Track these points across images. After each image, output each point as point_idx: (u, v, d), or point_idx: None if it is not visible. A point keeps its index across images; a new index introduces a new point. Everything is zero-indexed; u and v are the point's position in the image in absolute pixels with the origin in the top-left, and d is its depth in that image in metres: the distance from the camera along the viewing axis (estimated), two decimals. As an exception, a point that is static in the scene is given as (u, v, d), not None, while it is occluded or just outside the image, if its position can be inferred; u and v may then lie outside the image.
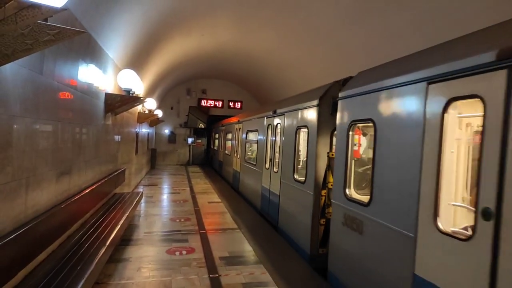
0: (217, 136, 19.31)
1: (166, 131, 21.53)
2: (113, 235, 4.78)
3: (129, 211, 6.20)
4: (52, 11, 2.34)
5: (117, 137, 7.99)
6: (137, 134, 11.60)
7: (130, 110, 9.31)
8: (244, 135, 11.42)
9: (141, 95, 8.22)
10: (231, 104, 21.36)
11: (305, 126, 6.09)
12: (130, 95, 6.92)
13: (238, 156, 12.29)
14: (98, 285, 4.31)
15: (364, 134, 4.96)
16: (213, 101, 21.21)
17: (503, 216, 2.29)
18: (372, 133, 3.91)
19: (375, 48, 8.22)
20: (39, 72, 3.50)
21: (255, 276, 4.85)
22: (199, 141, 23.78)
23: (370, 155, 4.10)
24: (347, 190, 4.42)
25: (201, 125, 22.08)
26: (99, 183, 6.01)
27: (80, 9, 4.51)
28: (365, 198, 4.03)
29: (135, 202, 7.04)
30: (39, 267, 3.62)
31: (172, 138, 21.64)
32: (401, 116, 3.46)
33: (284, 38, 10.93)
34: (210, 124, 21.97)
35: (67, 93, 4.39)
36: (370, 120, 3.95)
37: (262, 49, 12.70)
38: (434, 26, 6.26)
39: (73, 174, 4.77)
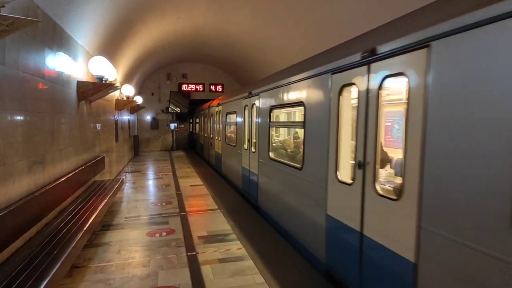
0: (198, 120, 19.33)
1: (148, 118, 21.39)
2: (91, 220, 4.90)
3: (108, 197, 6.30)
4: (3, 1, 2.38)
5: (94, 125, 7.98)
6: (116, 121, 11.55)
7: (107, 97, 9.26)
8: (224, 118, 11.54)
9: (115, 82, 8.18)
10: (212, 87, 21.27)
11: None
12: (103, 82, 6.89)
13: (219, 138, 12.44)
14: (78, 268, 4.45)
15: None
16: (194, 85, 21.08)
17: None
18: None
19: (351, 25, 8.32)
20: (1, 62, 3.51)
21: (231, 251, 5.06)
22: (182, 126, 23.76)
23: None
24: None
25: (183, 110, 21.98)
26: (76, 171, 6.06)
27: (41, -4, 4.46)
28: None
29: (115, 189, 7.14)
30: (15, 253, 3.72)
31: (154, 124, 21.54)
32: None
33: (261, 18, 10.91)
34: (192, 108, 21.90)
35: (34, 82, 4.39)
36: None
37: (240, 30, 12.65)
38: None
39: (47, 163, 4.83)
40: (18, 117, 3.95)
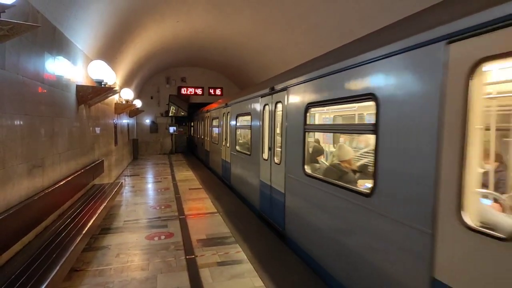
0: (199, 123, 18.49)
1: (147, 121, 21.42)
2: (90, 223, 4.91)
3: (107, 201, 6.31)
4: (2, 7, 2.41)
5: (93, 129, 8.00)
6: (115, 125, 11.57)
7: (106, 101, 9.29)
8: (234, 121, 9.76)
9: (114, 86, 8.22)
10: (211, 91, 21.34)
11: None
12: (102, 86, 6.92)
13: (227, 144, 10.70)
14: (77, 272, 4.45)
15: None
16: (193, 89, 21.15)
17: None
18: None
19: (350, 29, 8.38)
20: (0, 66, 3.53)
21: (230, 255, 5.07)
22: (181, 129, 23.79)
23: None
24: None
25: (183, 113, 22.01)
26: (76, 174, 6.07)
27: (41, 1, 4.50)
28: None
29: (113, 193, 7.15)
30: (15, 257, 3.74)
31: (153, 127, 21.56)
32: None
33: (260, 22, 10.97)
34: (192, 111, 21.94)
35: (34, 86, 4.42)
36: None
37: (239, 34, 12.71)
38: (403, 4, 6.42)
39: (46, 167, 4.84)
40: (18, 121, 3.97)
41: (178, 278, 4.31)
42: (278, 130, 6.33)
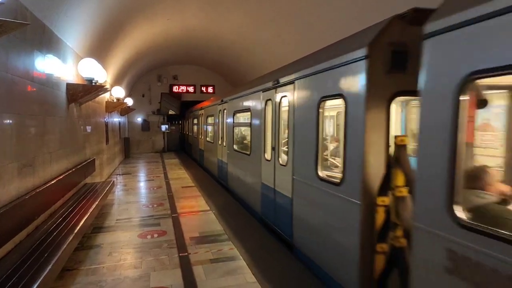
0: (195, 121, 17.68)
1: (139, 119, 21.28)
2: (82, 222, 4.89)
3: (99, 199, 6.29)
4: (-9, 5, 2.39)
5: (84, 128, 7.94)
6: (106, 123, 11.49)
7: (97, 99, 9.22)
8: (231, 118, 9.19)
9: (105, 84, 8.16)
10: (203, 88, 21.27)
11: (339, 96, 3.85)
12: (93, 84, 6.87)
13: (224, 144, 10.08)
14: (69, 271, 4.43)
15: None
16: (185, 87, 21.06)
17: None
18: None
19: (341, 28, 8.40)
20: (-11, 65, 3.49)
21: (223, 252, 5.09)
22: (174, 127, 23.68)
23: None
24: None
25: (175, 112, 21.89)
26: (67, 173, 6.03)
27: (30, -1, 4.45)
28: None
29: (105, 191, 7.11)
30: (6, 256, 3.71)
31: (145, 126, 21.43)
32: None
33: (252, 20, 10.97)
34: (184, 109, 21.83)
35: (23, 85, 4.37)
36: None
37: (232, 32, 12.68)
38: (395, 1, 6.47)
39: (37, 166, 4.80)
40: (8, 120, 3.93)
41: (171, 276, 4.32)
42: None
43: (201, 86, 21.24)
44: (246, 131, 8.79)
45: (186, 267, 4.58)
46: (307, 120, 4.54)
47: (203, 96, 20.41)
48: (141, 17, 9.94)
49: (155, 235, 5.87)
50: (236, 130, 9.22)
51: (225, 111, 10.00)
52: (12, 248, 3.94)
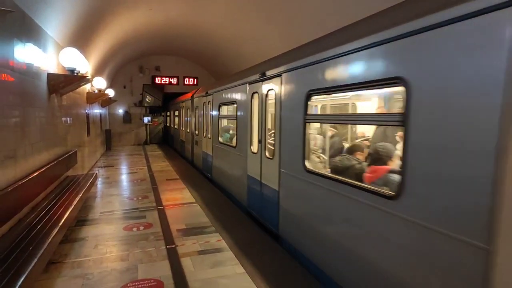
0: (178, 113, 17.46)
1: (120, 111, 20.89)
2: (66, 215, 4.80)
3: (82, 192, 6.18)
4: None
5: (65, 119, 7.75)
6: (87, 115, 11.23)
7: (78, 90, 8.99)
8: (216, 111, 9.18)
9: (86, 74, 7.97)
10: (186, 80, 21.00)
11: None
12: (75, 74, 6.70)
13: (210, 136, 9.99)
14: (54, 264, 4.37)
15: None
16: (167, 78, 20.74)
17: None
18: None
19: (324, 20, 8.45)
20: (-32, 53, 3.36)
21: (210, 243, 5.11)
22: (156, 119, 23.38)
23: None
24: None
25: (157, 104, 21.57)
26: (49, 165, 5.89)
27: (9, -16, 4.28)
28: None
29: (88, 184, 6.99)
30: (-12, 250, 3.62)
31: (127, 118, 21.06)
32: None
33: (236, 11, 10.86)
34: (167, 101, 21.56)
35: (3, 74, 4.22)
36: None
37: (215, 23, 12.54)
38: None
39: (19, 158, 4.67)
40: (-12, 110, 3.80)
41: (159, 268, 4.32)
42: (269, 121, 5.77)
43: (184, 77, 20.96)
44: (231, 123, 8.80)
45: (174, 259, 4.58)
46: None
47: (186, 88, 20.16)
48: (122, 7, 9.71)
49: (141, 228, 5.83)
50: (222, 122, 9.19)
51: (209, 103, 9.92)
52: (-5, 242, 3.84)
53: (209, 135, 9.94)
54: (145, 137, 21.91)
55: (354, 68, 3.42)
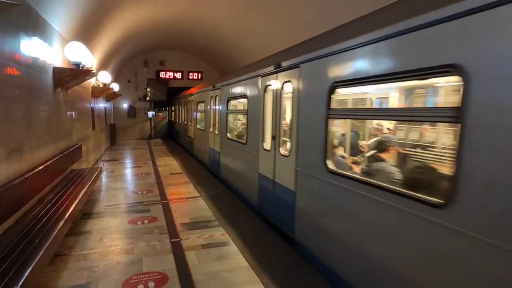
0: (182, 108, 16.92)
1: (125, 105, 20.95)
2: (71, 208, 4.84)
3: (87, 185, 6.22)
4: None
5: (71, 113, 7.79)
6: (92, 109, 11.28)
7: (83, 84, 9.02)
8: (223, 105, 8.88)
9: (92, 68, 7.98)
10: (191, 75, 20.99)
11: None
12: (80, 68, 6.72)
13: (217, 131, 9.65)
14: (60, 257, 4.41)
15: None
16: (172, 73, 20.76)
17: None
18: None
19: (331, 15, 8.39)
20: (-25, 46, 3.38)
21: (214, 237, 5.14)
22: (160, 114, 23.43)
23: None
24: None
25: (162, 98, 21.61)
26: (54, 159, 5.93)
27: (15, -22, 4.29)
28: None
29: (93, 177, 7.04)
30: (-4, 242, 3.66)
31: (131, 112, 21.13)
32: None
33: (241, 6, 10.83)
34: (171, 96, 21.58)
35: (9, 68, 4.24)
36: None
37: (220, 17, 12.50)
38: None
39: (25, 151, 4.71)
40: (-6, 104, 3.83)
41: (164, 261, 4.35)
42: (286, 116, 5.52)
43: (189, 72, 20.96)
44: (241, 119, 8.63)
45: (178, 252, 4.61)
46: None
47: (190, 83, 20.17)
48: (127, 0, 9.70)
49: (146, 221, 5.87)
50: (230, 117, 8.94)
51: (217, 97, 9.55)
52: (1, 234, 3.89)
53: (216, 131, 9.60)
54: (149, 131, 21.98)
55: (395, 55, 2.99)
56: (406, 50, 2.83)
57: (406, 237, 2.79)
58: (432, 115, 2.89)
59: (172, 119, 22.21)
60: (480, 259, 2.17)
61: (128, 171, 10.94)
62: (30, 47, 5.00)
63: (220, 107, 9.19)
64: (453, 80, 2.48)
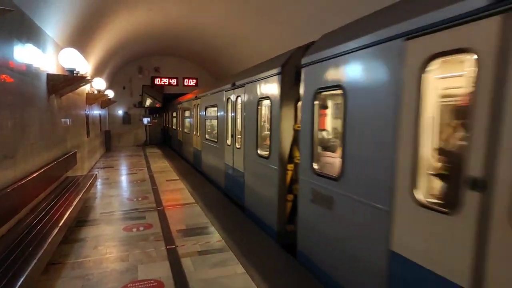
0: (174, 114, 18.19)
1: (120, 112, 20.88)
2: (66, 216, 4.79)
3: (82, 193, 6.16)
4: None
5: (65, 120, 7.73)
6: (87, 116, 11.22)
7: (77, 91, 8.98)
8: (203, 112, 10.81)
9: (86, 75, 7.95)
10: (186, 81, 20.97)
11: (267, 98, 5.56)
12: (74, 75, 6.68)
13: (198, 134, 11.54)
14: (54, 265, 4.35)
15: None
16: (167, 79, 20.73)
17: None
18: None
19: (324, 22, 8.44)
20: (-32, 53, 3.35)
21: (210, 244, 5.10)
22: (156, 120, 23.36)
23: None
24: (314, 165, 4.08)
25: (157, 105, 21.55)
26: (48, 166, 5.87)
27: (9, -16, 4.27)
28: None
29: (88, 184, 6.97)
30: (-12, 251, 3.60)
31: (126, 118, 21.05)
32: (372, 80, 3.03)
33: (236, 13, 10.87)
34: (166, 102, 21.53)
35: (2, 74, 4.21)
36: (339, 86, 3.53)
37: (215, 24, 12.53)
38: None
39: (18, 158, 4.66)
40: (-13, 111, 3.78)
41: (159, 268, 4.30)
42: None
43: (184, 78, 20.94)
44: (214, 123, 10.08)
45: (174, 259, 4.56)
46: (252, 115, 6.18)
47: (186, 89, 20.16)
48: (122, 7, 9.70)
49: (141, 228, 5.81)
50: (207, 122, 10.71)
51: (198, 106, 11.60)
52: (-6, 242, 3.82)
53: (198, 133, 11.62)
54: (144, 138, 21.89)
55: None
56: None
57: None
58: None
59: (167, 125, 22.24)
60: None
61: (123, 178, 10.87)
62: (23, 53, 4.97)
63: (201, 114, 11.23)
64: None
